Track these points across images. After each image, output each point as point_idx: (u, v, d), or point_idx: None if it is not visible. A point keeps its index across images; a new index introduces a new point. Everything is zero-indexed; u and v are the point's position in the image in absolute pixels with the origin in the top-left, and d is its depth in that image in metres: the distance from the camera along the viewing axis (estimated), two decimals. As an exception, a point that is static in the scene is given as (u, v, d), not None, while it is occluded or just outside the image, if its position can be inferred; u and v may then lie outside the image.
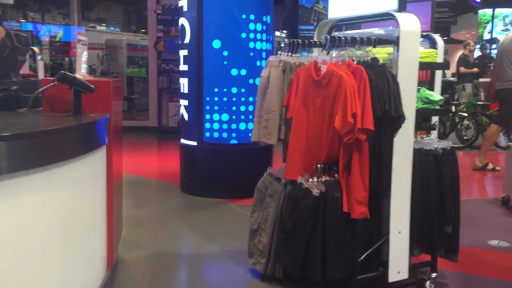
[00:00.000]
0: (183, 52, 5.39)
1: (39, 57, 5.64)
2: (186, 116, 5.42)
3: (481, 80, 11.49)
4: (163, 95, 10.58)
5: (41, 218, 2.07)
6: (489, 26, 16.03)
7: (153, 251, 3.73)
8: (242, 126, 5.15)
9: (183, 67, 5.40)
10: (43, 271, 2.10)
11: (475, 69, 11.22)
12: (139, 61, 13.74)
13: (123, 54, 13.51)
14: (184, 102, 5.45)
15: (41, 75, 4.84)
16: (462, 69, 10.93)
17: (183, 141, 5.51)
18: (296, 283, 3.03)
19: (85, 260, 2.50)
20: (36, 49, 6.19)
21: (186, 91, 5.37)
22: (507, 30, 15.45)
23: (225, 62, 5.03)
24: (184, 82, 5.40)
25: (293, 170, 2.97)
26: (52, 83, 2.64)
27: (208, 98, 5.11)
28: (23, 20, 16.55)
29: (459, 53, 12.35)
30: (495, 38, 15.50)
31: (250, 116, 5.08)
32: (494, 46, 15.16)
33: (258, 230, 3.19)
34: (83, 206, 2.43)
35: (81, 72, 3.45)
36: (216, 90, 5.08)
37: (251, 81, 5.12)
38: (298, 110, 2.96)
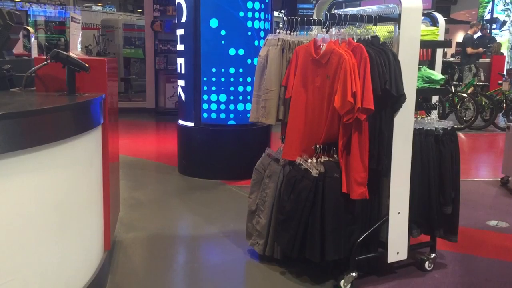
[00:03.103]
0: (179, 32, 5.31)
1: (33, 37, 5.55)
2: (183, 97, 5.36)
3: (481, 60, 11.42)
4: (160, 76, 10.49)
5: (36, 199, 2.03)
6: (489, 5, 15.87)
7: (150, 232, 3.71)
8: (240, 106, 5.10)
9: (180, 47, 5.32)
10: (39, 253, 2.07)
11: (481, 49, 11.11)
12: (136, 41, 13.60)
13: (119, 34, 13.35)
14: (181, 83, 5.38)
15: (34, 54, 4.76)
16: (469, 50, 10.80)
17: (180, 122, 5.46)
18: (295, 263, 3.03)
19: (82, 241, 2.47)
20: (30, 28, 6.09)
21: (183, 71, 5.30)
22: (507, 9, 15.30)
23: (223, 42, 4.96)
24: (181, 62, 5.33)
25: (292, 150, 2.93)
26: (45, 62, 2.58)
27: (205, 79, 5.04)
28: (18, 0, 16.32)
29: (459, 33, 12.24)
30: (496, 17, 15.37)
31: (248, 97, 5.03)
32: (494, 26, 15.04)
33: (256, 211, 3.16)
34: (78, 187, 2.39)
35: (76, 51, 3.39)
36: (213, 70, 5.01)
37: (249, 61, 5.05)
38: (297, 90, 2.91)
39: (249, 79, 5.04)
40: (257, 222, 3.14)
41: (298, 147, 2.92)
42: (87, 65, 2.54)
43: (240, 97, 5.08)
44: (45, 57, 2.66)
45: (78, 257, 2.42)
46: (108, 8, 21.38)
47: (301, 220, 2.75)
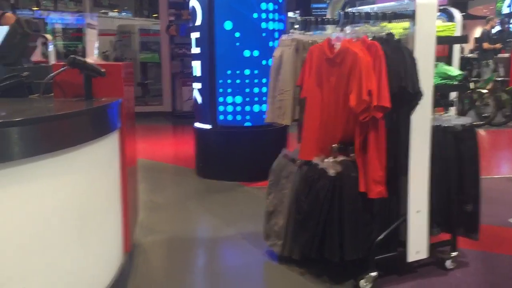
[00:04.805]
0: (194, 35, 5.33)
1: (50, 44, 5.63)
2: (199, 100, 5.39)
3: (500, 55, 11.23)
4: (176, 79, 10.56)
5: (55, 203, 2.06)
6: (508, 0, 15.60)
7: (170, 235, 3.74)
8: (256, 108, 5.10)
9: (195, 50, 5.35)
10: (59, 256, 2.10)
11: (498, 45, 10.94)
12: (152, 46, 13.69)
13: (136, 39, 13.47)
14: (197, 86, 5.41)
15: (52, 61, 4.83)
16: (486, 45, 10.64)
17: (197, 125, 5.48)
18: (314, 264, 3.01)
19: (102, 244, 2.50)
20: (48, 36, 6.19)
21: (198, 74, 5.33)
22: (526, 3, 15.03)
23: (237, 44, 4.97)
24: (196, 65, 5.35)
25: (308, 150, 2.92)
26: (63, 68, 2.61)
27: (221, 81, 5.06)
28: (36, 8, 16.57)
29: (477, 29, 12.07)
30: (514, 12, 15.10)
31: (264, 98, 5.02)
32: (513, 20, 14.78)
33: (274, 212, 3.16)
34: (97, 191, 2.42)
35: (93, 57, 3.43)
36: (228, 72, 5.03)
37: (264, 62, 5.05)
38: (312, 90, 2.90)
39: (264, 80, 5.04)
40: (275, 223, 3.14)
41: (315, 147, 2.91)
42: (103, 70, 2.57)
43: (256, 99, 5.09)
44: (62, 63, 2.70)
45: (98, 261, 2.45)
46: (124, 14, 21.58)
47: (319, 220, 2.74)
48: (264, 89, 5.05)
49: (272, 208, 3.18)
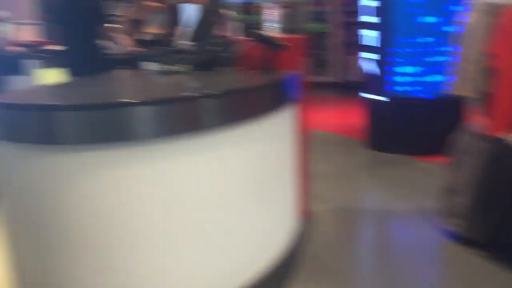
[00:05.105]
0: (366, 2, 5.18)
1: (232, 19, 5.97)
2: (372, 70, 5.26)
3: None
4: (347, 49, 10.43)
5: (240, 170, 2.23)
6: None
7: (341, 204, 3.79)
8: (433, 78, 4.81)
9: (367, 19, 5.20)
10: (241, 216, 2.27)
11: None
12: (322, 16, 13.68)
13: (307, 10, 13.58)
14: (370, 55, 5.27)
15: (236, 35, 5.14)
16: None
17: (369, 95, 5.38)
18: (498, 249, 2.79)
19: (278, 209, 2.63)
20: (231, 11, 6.56)
21: (372, 43, 5.18)
22: None
23: (414, 10, 4.70)
24: (369, 34, 5.21)
25: (496, 125, 2.68)
26: (246, 42, 2.76)
27: (396, 50, 4.86)
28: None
29: None
30: None
31: (442, 68, 4.71)
32: None
33: (454, 190, 2.98)
34: (275, 160, 2.54)
35: (272, 30, 3.56)
36: (404, 41, 4.80)
37: (443, 29, 4.70)
38: (504, 58, 2.63)
39: (443, 49, 4.70)
40: (455, 202, 2.96)
41: (504, 121, 2.65)
42: (284, 44, 2.65)
43: (433, 69, 4.78)
44: (245, 38, 2.85)
45: (275, 224, 2.59)
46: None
47: (507, 202, 2.52)
48: (443, 59, 4.72)
49: (452, 186, 3.00)
